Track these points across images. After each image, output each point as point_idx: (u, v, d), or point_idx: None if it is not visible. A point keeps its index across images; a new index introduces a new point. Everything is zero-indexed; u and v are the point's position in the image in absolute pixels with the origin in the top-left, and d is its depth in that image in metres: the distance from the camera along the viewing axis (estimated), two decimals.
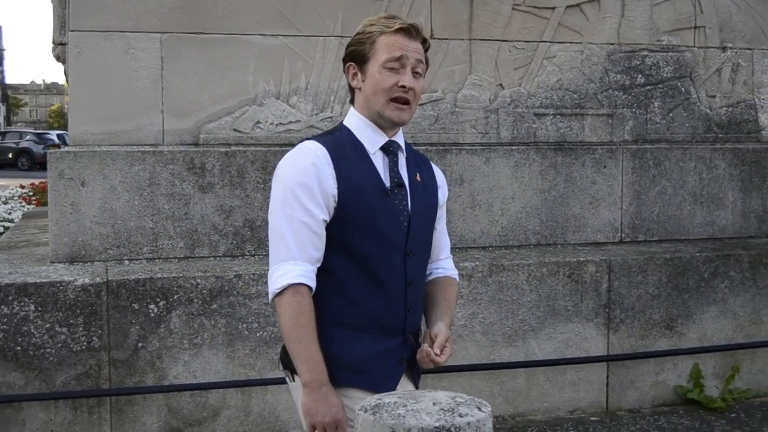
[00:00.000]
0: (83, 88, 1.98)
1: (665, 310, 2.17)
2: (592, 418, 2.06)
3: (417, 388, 1.14)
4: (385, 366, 1.10)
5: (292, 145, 2.08)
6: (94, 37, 1.98)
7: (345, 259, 1.11)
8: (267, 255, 2.06)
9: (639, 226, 2.33)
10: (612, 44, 2.28)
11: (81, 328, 1.75)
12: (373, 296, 1.10)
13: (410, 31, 1.12)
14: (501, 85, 2.20)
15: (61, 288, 1.75)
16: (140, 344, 1.78)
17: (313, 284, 1.07)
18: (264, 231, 2.06)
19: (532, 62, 2.22)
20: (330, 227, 1.10)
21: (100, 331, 1.76)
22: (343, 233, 1.10)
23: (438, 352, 1.07)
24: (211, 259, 1.98)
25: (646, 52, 2.32)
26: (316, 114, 2.10)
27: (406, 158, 1.17)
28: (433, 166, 1.23)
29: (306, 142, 1.15)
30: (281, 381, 1.94)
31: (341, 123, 1.18)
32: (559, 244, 2.22)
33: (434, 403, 0.84)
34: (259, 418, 1.85)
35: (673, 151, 2.37)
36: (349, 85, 1.13)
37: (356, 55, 1.13)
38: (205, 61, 2.02)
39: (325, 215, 1.09)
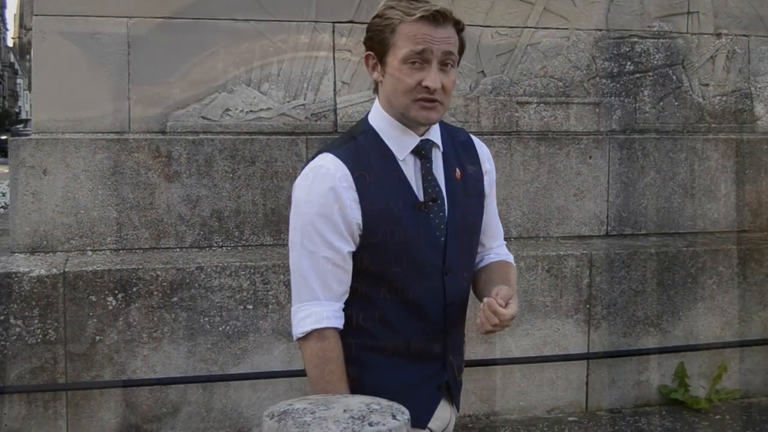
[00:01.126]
0: (47, 74, 1.92)
1: (650, 306, 2.08)
2: (570, 418, 1.99)
3: (458, 411, 1.03)
4: (422, 394, 1.00)
5: (263, 133, 2.05)
6: (59, 21, 1.93)
7: (375, 283, 1.00)
8: (234, 245, 2.07)
9: (626, 219, 2.25)
10: (600, 30, 2.19)
11: (36, 321, 1.70)
12: (408, 321, 1.00)
13: (436, 17, 0.96)
14: (482, 72, 2.13)
15: (16, 279, 1.70)
16: (98, 338, 1.74)
17: (340, 323, 0.97)
18: (232, 221, 2.00)
19: (516, 48, 2.14)
20: (356, 254, 0.99)
21: (56, 324, 1.71)
22: (372, 259, 0.99)
23: (502, 303, 0.94)
24: (177, 250, 1.93)
25: (635, 39, 2.22)
26: (288, 101, 2.03)
27: (444, 153, 1.03)
28: (476, 143, 1.08)
29: (324, 158, 0.99)
30: (244, 377, 1.92)
31: (366, 119, 1.04)
32: (541, 237, 2.14)
33: (345, 410, 0.78)
34: (221, 414, 1.80)
35: (663, 142, 2.27)
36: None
37: (374, 44, 0.99)
38: (173, 47, 1.96)
39: (350, 246, 0.98)
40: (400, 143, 1.00)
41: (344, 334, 0.96)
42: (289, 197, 1.00)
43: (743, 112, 2.32)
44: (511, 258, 1.11)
